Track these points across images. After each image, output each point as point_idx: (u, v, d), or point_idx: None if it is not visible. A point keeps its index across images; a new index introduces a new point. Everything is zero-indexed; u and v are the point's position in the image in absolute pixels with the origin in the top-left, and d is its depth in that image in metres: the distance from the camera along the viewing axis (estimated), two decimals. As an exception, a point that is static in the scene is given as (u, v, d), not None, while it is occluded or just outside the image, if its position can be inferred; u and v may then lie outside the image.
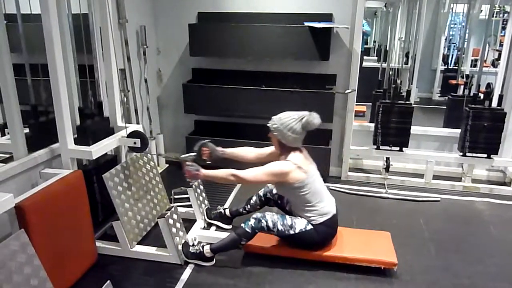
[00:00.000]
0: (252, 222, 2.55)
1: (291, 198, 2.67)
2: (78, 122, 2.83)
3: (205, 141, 2.83)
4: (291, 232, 2.54)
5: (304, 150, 2.64)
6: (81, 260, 2.48)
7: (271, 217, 2.55)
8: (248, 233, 2.54)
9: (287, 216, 2.60)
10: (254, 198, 3.01)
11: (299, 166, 2.49)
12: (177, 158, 2.79)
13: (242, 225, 2.57)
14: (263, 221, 2.54)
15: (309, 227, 2.54)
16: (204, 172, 2.58)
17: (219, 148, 2.84)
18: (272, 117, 2.57)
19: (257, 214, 2.58)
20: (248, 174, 2.50)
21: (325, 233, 2.58)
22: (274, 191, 2.93)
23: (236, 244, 2.58)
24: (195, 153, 2.77)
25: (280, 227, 2.54)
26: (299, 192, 2.52)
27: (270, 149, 2.78)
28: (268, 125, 2.57)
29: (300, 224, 2.55)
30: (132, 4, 3.61)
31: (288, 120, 2.49)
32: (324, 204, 2.58)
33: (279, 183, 2.57)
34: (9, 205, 1.92)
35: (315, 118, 2.47)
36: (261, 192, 2.99)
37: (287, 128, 2.48)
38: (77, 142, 2.61)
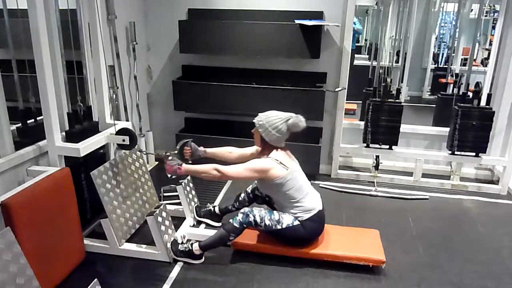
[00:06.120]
0: (240, 217, 2.55)
1: (275, 196, 2.68)
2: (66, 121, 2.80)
3: (187, 140, 2.82)
4: (278, 227, 2.54)
5: (287, 149, 2.65)
6: (68, 258, 2.46)
7: (258, 212, 2.56)
8: (236, 229, 2.55)
9: (275, 212, 2.61)
10: (243, 195, 3.02)
11: (280, 162, 2.51)
12: (158, 155, 2.78)
13: (230, 220, 2.57)
14: (250, 215, 2.54)
15: (296, 222, 2.55)
16: (186, 167, 2.58)
17: (201, 148, 2.84)
18: (259, 113, 2.57)
19: (245, 209, 2.59)
20: (230, 169, 2.51)
21: (312, 228, 2.59)
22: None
23: (225, 240, 2.58)
24: (176, 151, 2.77)
25: (267, 222, 2.55)
26: (282, 189, 2.53)
27: (252, 149, 2.79)
28: (253, 121, 2.58)
29: (287, 220, 2.56)
30: (121, 0, 3.58)
31: (274, 119, 2.50)
32: (309, 200, 2.60)
33: (261, 180, 2.59)
34: (-5, 203, 1.90)
35: (301, 121, 2.50)
36: (249, 189, 3.00)
37: (272, 127, 2.49)
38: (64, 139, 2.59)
